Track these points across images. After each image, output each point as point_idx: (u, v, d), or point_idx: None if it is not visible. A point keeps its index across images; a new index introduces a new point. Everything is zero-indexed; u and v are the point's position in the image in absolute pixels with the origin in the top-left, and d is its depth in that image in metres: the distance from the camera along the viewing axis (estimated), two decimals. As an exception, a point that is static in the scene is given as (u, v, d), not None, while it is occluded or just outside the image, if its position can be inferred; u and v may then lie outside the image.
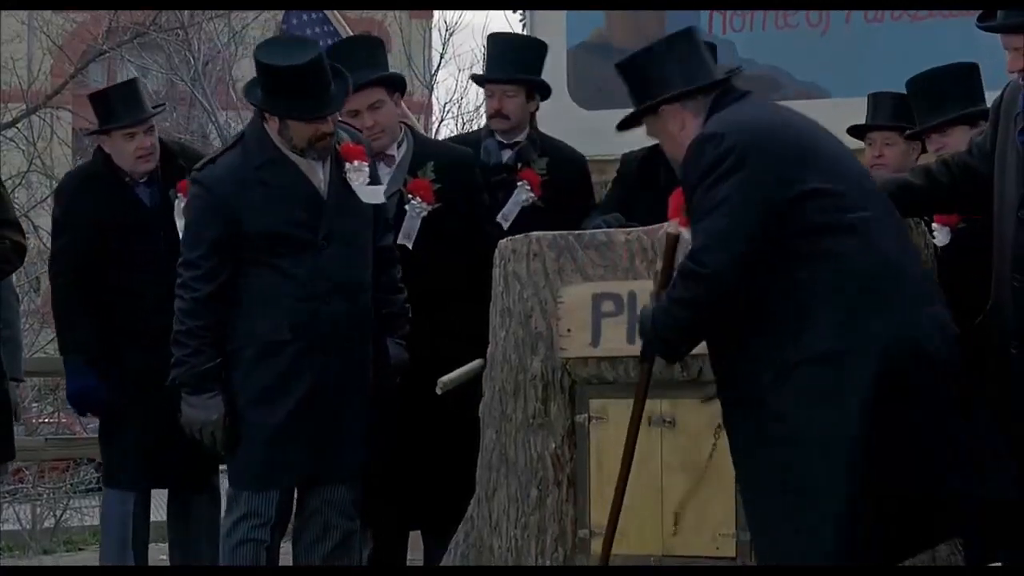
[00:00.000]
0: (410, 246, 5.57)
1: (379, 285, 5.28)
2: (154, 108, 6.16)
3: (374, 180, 5.29)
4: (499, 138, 6.04)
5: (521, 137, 6.04)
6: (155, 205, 5.95)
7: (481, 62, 6.32)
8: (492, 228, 5.71)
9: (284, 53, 5.04)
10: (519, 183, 5.94)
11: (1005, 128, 4.62)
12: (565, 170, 6.05)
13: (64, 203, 6.05)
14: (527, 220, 5.75)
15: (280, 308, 5.04)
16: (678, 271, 4.13)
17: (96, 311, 5.87)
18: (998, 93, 4.65)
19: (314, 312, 5.05)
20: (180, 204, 5.84)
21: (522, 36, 6.50)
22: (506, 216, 5.92)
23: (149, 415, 5.78)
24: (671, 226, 4.42)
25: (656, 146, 5.70)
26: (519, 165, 5.97)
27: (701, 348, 4.58)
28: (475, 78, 6.18)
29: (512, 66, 6.04)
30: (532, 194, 5.93)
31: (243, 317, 5.07)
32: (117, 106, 5.94)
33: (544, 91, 6.11)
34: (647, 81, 4.24)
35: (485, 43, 6.39)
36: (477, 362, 5.03)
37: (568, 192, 6.00)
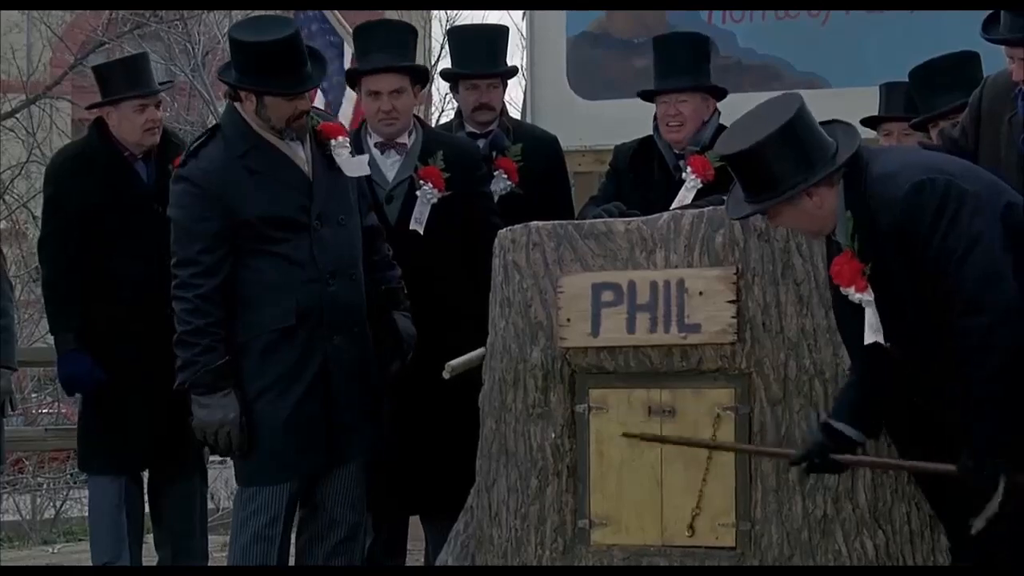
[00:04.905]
0: (421, 231, 5.58)
1: (373, 264, 5.29)
2: (161, 84, 6.17)
3: (353, 153, 5.30)
4: (471, 129, 6.04)
5: (492, 126, 6.05)
6: (152, 181, 5.95)
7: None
8: (496, 218, 5.72)
9: (260, 31, 5.03)
10: (495, 172, 5.95)
11: (994, 129, 4.65)
12: (540, 153, 6.07)
13: (56, 183, 6.03)
14: (507, 208, 5.76)
15: (285, 294, 5.02)
16: (967, 348, 3.91)
17: (87, 291, 5.86)
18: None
19: (318, 295, 5.05)
20: None
21: (485, 26, 6.48)
22: None
23: (137, 395, 5.80)
24: None
25: (647, 138, 5.70)
26: (494, 154, 5.98)
27: (702, 339, 4.60)
28: (462, 75, 6.05)
29: (491, 57, 6.04)
30: (510, 182, 5.95)
31: (248, 308, 5.04)
32: (127, 78, 5.95)
33: (512, 76, 6.15)
34: (775, 169, 4.04)
35: (447, 37, 6.33)
36: (482, 349, 5.04)
37: (544, 175, 6.02)
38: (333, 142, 5.19)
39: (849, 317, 4.18)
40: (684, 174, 5.47)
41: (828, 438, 4.20)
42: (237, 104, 5.12)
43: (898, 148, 4.21)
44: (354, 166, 5.23)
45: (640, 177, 5.62)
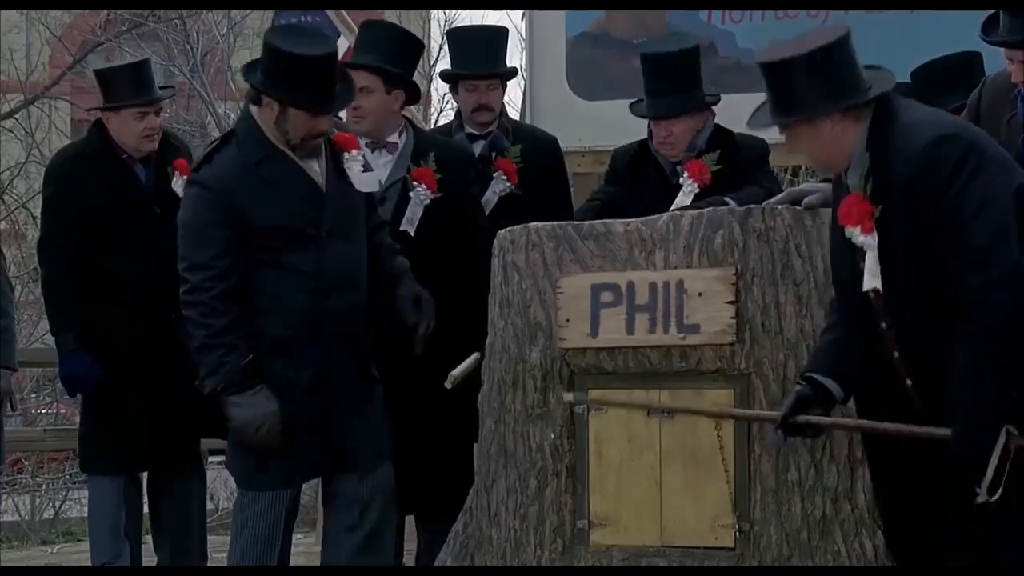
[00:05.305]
0: (412, 232, 5.58)
1: (379, 247, 5.26)
2: (162, 89, 6.17)
3: (367, 167, 5.28)
4: (470, 130, 6.04)
5: (492, 127, 6.04)
6: (150, 183, 5.96)
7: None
8: (484, 220, 5.72)
9: (300, 42, 4.97)
10: (495, 174, 5.94)
11: (993, 130, 4.66)
12: (539, 155, 6.07)
13: (55, 183, 6.03)
14: (507, 209, 5.75)
15: (287, 305, 4.98)
16: (965, 304, 3.87)
17: (87, 292, 5.86)
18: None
19: (320, 307, 5.00)
20: (177, 182, 5.88)
21: (485, 27, 6.49)
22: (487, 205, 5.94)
23: (137, 396, 5.81)
24: None
25: (643, 142, 5.68)
26: (493, 155, 5.98)
27: (701, 339, 4.60)
28: (462, 76, 6.07)
29: (491, 58, 6.03)
30: (509, 184, 5.95)
31: (251, 317, 4.99)
32: (129, 84, 5.94)
33: (511, 77, 6.15)
34: (803, 87, 4.05)
35: (446, 38, 6.32)
36: (477, 355, 5.03)
37: (544, 175, 6.02)
38: (346, 155, 5.16)
39: (844, 273, 4.16)
40: (681, 179, 5.45)
41: (812, 390, 4.21)
42: (254, 109, 5.05)
43: (929, 107, 4.19)
44: (364, 181, 5.20)
45: (638, 181, 5.61)
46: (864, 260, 4.08)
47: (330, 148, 5.15)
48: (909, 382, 4.11)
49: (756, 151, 5.58)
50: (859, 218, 4.06)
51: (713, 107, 5.62)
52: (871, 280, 4.07)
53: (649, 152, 5.64)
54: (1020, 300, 3.86)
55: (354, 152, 5.19)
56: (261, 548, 5.02)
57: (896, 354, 4.11)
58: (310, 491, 7.86)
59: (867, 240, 4.06)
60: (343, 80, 5.12)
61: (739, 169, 5.44)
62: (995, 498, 3.92)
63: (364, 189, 5.21)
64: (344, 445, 5.07)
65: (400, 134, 5.68)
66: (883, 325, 4.11)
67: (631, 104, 5.63)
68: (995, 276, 3.86)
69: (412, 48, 5.78)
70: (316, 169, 5.09)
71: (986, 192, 3.90)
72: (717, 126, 5.59)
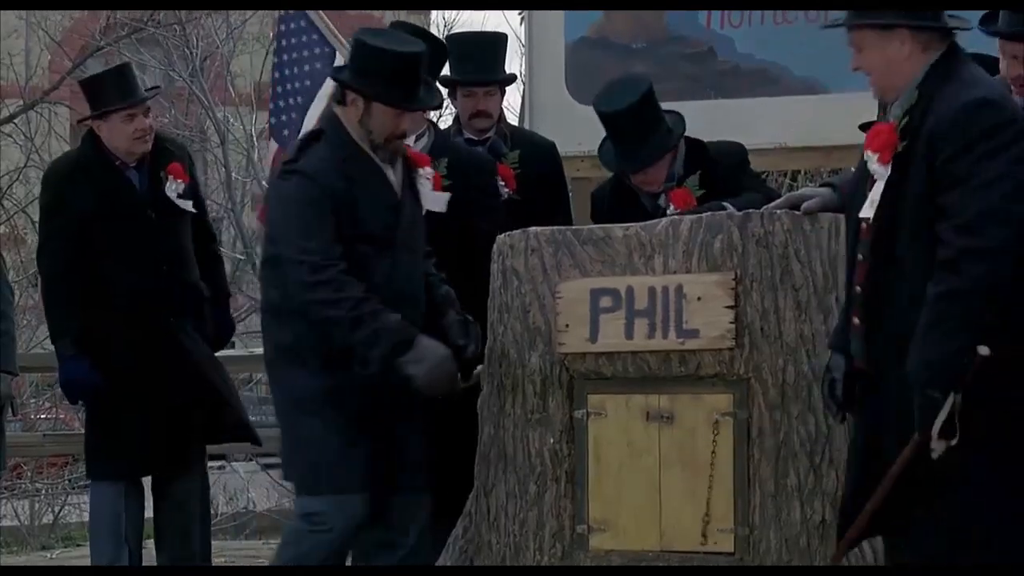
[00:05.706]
0: None
1: (427, 275, 5.16)
2: (148, 90, 6.16)
3: None
4: (468, 135, 6.03)
5: (490, 132, 6.03)
6: (144, 188, 5.97)
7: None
8: (484, 224, 5.70)
9: (389, 39, 4.96)
10: None
11: None
12: (537, 160, 6.05)
13: (53, 190, 6.05)
14: (506, 214, 5.73)
15: None
16: (941, 262, 3.81)
17: (85, 297, 5.87)
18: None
19: None
20: (171, 186, 5.90)
21: (484, 33, 6.47)
22: None
23: (135, 402, 5.81)
24: None
25: (617, 180, 5.60)
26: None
27: (700, 344, 4.60)
28: (460, 81, 6.04)
29: (490, 65, 6.02)
30: (507, 189, 5.93)
31: None
32: (113, 90, 5.96)
33: (510, 83, 6.15)
34: None
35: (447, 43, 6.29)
36: (478, 369, 5.00)
37: (542, 180, 6.01)
38: (420, 171, 5.13)
39: (857, 201, 4.12)
40: (669, 212, 5.38)
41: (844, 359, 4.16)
42: (339, 109, 4.98)
43: (990, 76, 4.17)
44: (432, 200, 5.18)
45: (626, 205, 5.52)
46: (871, 190, 4.04)
47: (405, 162, 5.09)
48: (856, 320, 4.08)
49: (734, 158, 5.51)
50: (882, 146, 4.02)
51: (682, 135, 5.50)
52: (868, 209, 4.04)
53: (627, 188, 5.55)
54: (996, 278, 3.80)
55: (427, 169, 5.16)
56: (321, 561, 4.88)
57: (858, 288, 4.07)
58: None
59: (879, 169, 4.02)
60: (426, 85, 5.07)
61: (721, 179, 5.38)
62: (951, 443, 3.83)
63: (431, 207, 5.17)
64: (399, 461, 4.95)
65: (419, 137, 5.65)
66: (860, 257, 4.08)
67: (599, 148, 5.51)
68: (978, 246, 3.79)
69: (431, 50, 5.76)
70: (394, 178, 5.02)
71: (1008, 168, 3.83)
72: (688, 143, 5.47)
